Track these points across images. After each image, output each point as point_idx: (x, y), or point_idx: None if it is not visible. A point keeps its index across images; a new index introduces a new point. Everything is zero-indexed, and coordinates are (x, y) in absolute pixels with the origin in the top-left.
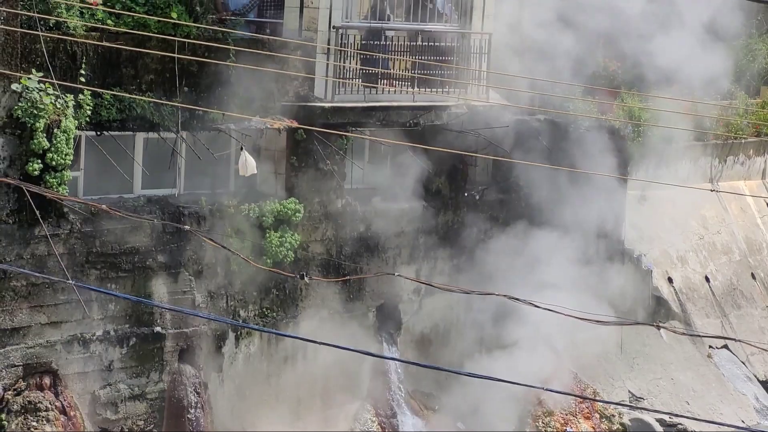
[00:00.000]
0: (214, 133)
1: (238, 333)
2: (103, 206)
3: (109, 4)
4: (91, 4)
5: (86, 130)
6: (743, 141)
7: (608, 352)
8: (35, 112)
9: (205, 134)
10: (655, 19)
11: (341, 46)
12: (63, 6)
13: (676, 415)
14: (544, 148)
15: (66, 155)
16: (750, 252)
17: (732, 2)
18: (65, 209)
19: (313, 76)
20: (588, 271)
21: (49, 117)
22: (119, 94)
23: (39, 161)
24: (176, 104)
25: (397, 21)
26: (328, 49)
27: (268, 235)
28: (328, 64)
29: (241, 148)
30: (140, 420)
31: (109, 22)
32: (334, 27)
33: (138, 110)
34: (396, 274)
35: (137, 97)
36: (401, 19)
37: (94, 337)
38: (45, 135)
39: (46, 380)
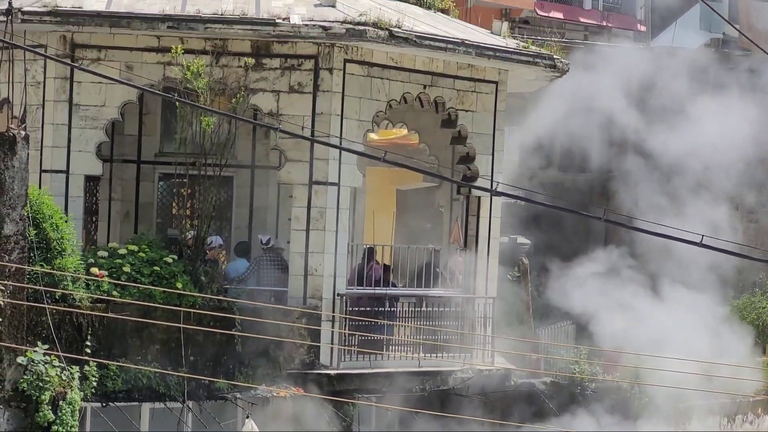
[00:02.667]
0: (220, 401)
1: None
2: None
3: (114, 275)
4: (97, 276)
5: (92, 401)
6: (751, 399)
7: None
8: (41, 384)
9: (212, 403)
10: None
11: (346, 313)
12: (69, 279)
13: None
14: (551, 410)
15: (71, 427)
16: None
17: (731, 261)
18: None
19: (318, 344)
20: None
21: (54, 389)
22: (125, 365)
23: None
24: (182, 374)
25: (401, 287)
26: (333, 316)
27: None
28: (333, 332)
29: (248, 416)
30: None
31: (114, 293)
32: (338, 294)
33: (144, 380)
34: None
35: (143, 367)
36: (405, 284)
37: None
38: (50, 407)
39: None
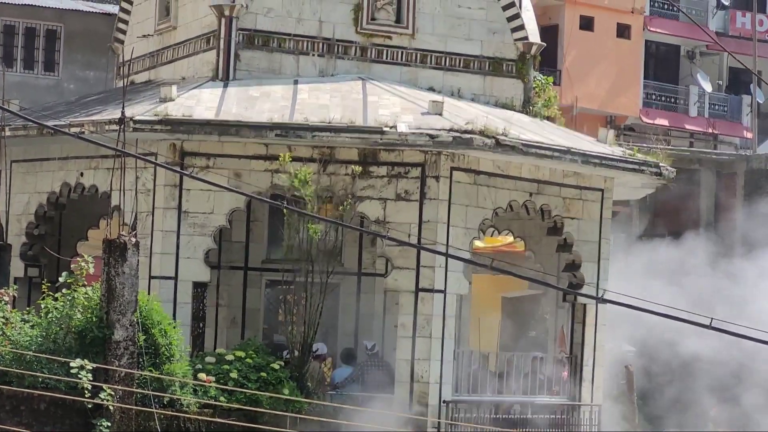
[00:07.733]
0: None
1: None
2: None
3: (221, 381)
4: (205, 382)
5: None
6: None
7: None
8: None
9: None
10: None
11: (452, 420)
12: (177, 384)
13: None
14: None
15: None
16: None
17: None
18: None
19: None
20: None
21: None
22: None
23: None
24: None
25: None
26: (439, 423)
27: None
28: None
29: None
30: None
31: (222, 399)
32: (444, 401)
33: None
34: None
35: None
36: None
37: None
38: None
39: None
